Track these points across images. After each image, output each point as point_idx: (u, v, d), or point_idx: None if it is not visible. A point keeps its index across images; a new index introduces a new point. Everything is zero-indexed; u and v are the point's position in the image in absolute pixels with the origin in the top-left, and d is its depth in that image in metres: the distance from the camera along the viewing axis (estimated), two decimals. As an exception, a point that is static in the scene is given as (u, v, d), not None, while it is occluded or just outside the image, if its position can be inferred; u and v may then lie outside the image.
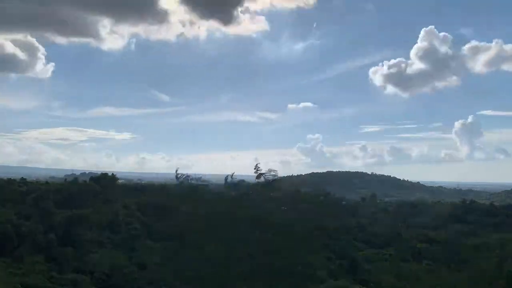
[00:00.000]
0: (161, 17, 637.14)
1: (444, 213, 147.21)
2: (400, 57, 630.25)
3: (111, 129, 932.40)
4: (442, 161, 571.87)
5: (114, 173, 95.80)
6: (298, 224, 21.17)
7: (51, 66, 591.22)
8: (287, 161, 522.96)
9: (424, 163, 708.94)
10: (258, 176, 18.24)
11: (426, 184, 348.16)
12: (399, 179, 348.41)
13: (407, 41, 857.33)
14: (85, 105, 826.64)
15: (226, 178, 19.32)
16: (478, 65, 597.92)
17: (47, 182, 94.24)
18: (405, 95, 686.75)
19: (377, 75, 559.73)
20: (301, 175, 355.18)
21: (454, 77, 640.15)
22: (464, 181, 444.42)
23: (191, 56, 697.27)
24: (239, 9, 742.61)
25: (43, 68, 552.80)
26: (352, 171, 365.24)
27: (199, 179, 19.34)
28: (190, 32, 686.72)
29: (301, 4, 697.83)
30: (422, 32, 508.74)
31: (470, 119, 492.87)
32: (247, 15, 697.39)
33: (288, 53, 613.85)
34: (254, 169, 18.24)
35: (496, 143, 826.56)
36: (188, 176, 18.64)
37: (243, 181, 19.72)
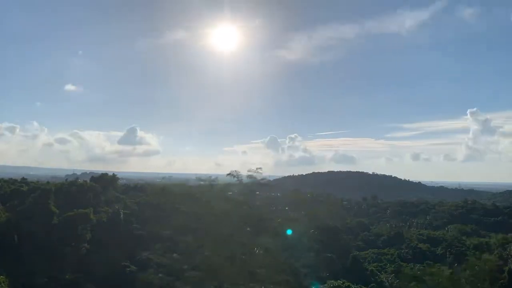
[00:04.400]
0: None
1: (445, 213, 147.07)
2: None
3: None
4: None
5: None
6: (299, 224, 20.92)
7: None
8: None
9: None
10: (250, 176, 18.08)
11: (427, 184, 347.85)
12: (400, 179, 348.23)
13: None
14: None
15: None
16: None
17: (48, 182, 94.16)
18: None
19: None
20: (302, 175, 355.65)
21: None
22: (466, 181, 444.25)
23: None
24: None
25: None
26: (353, 171, 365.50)
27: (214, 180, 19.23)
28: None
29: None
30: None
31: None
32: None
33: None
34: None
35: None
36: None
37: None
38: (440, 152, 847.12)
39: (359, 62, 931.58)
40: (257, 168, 18.14)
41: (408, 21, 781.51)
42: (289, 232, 18.92)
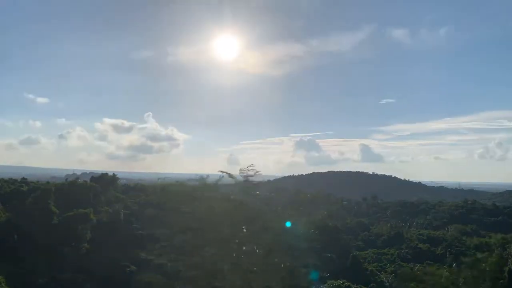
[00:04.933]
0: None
1: (445, 213, 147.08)
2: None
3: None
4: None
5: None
6: (299, 224, 20.91)
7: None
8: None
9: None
10: (245, 176, 17.91)
11: (427, 184, 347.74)
12: (401, 179, 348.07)
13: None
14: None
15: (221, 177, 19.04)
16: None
17: (48, 182, 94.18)
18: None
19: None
20: (302, 175, 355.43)
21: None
22: (466, 181, 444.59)
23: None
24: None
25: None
26: (353, 171, 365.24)
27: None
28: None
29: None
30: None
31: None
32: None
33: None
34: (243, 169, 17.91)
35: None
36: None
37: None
38: (430, 153, 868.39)
39: (314, 75, 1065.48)
40: (248, 166, 17.89)
41: (348, 40, 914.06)
42: (288, 224, 18.90)
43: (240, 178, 17.56)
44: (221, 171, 17.92)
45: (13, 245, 59.17)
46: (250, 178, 17.47)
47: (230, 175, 17.82)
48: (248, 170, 17.45)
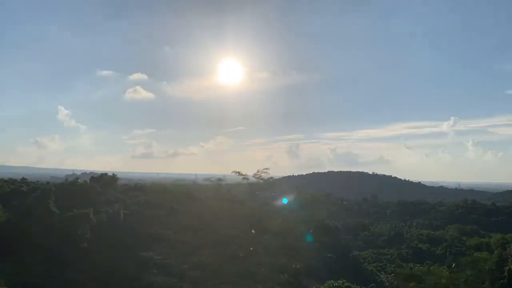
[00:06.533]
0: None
1: (445, 213, 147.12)
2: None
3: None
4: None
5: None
6: (299, 224, 20.93)
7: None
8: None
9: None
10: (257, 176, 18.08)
11: (427, 184, 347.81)
12: (400, 179, 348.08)
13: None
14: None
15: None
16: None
17: (48, 182, 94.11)
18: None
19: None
20: (302, 175, 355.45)
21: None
22: (466, 181, 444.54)
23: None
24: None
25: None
26: (353, 171, 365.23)
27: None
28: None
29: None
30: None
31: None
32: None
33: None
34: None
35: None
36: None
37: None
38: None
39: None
40: (264, 169, 18.23)
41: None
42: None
43: (253, 179, 17.82)
44: (234, 172, 18.12)
45: (13, 245, 59.12)
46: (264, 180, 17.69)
47: (244, 176, 18.00)
48: (263, 173, 17.81)
